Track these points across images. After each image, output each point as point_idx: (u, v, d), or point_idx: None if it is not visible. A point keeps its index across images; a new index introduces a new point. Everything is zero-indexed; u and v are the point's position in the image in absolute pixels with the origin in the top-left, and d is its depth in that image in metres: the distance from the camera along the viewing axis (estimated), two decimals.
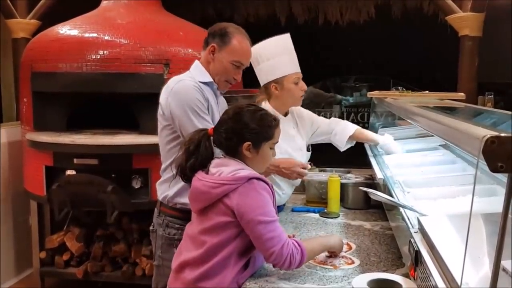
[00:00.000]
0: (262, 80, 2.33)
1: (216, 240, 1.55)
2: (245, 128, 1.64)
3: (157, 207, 2.08)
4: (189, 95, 1.90)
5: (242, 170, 1.59)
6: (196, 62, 2.05)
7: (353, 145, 2.55)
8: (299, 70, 2.32)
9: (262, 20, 5.49)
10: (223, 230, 1.56)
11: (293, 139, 2.39)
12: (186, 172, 1.68)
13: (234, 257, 1.57)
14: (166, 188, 2.02)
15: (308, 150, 2.49)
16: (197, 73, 2.00)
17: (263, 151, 1.68)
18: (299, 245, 1.57)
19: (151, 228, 2.11)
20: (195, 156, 1.67)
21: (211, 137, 1.69)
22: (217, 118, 1.93)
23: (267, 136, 1.68)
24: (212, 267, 1.55)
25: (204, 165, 1.68)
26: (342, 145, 2.50)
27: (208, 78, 1.99)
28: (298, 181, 2.47)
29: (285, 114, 2.40)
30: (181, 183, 1.94)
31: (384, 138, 2.52)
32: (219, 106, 2.06)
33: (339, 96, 6.16)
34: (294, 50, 2.32)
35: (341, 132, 2.49)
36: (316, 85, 6.15)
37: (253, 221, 1.50)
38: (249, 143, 1.64)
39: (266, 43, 2.32)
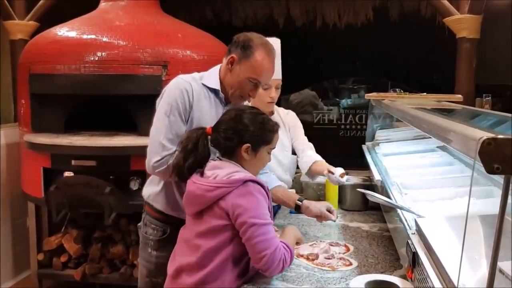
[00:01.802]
0: None
1: (212, 244, 1.55)
2: (246, 130, 1.65)
3: (144, 204, 2.08)
4: (171, 92, 1.85)
5: (238, 172, 1.59)
6: (217, 67, 1.97)
7: (311, 180, 2.55)
8: (273, 77, 2.23)
9: (260, 23, 5.49)
10: (219, 234, 1.55)
11: (279, 140, 2.40)
12: (183, 171, 1.67)
13: (231, 261, 1.56)
14: (149, 186, 2.04)
15: (294, 154, 2.52)
16: (209, 76, 1.93)
17: (261, 154, 1.69)
18: (288, 247, 1.57)
19: (138, 225, 2.11)
20: (193, 155, 1.66)
21: (209, 136, 1.69)
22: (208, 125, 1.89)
23: (267, 140, 1.69)
24: (210, 273, 1.54)
25: (201, 165, 1.67)
26: (305, 168, 2.46)
27: (215, 85, 1.91)
28: (288, 183, 2.49)
29: (270, 114, 2.41)
30: (152, 186, 1.98)
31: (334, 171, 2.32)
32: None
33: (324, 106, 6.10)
34: (276, 55, 2.28)
35: (308, 157, 2.45)
36: (313, 88, 6.16)
37: (246, 224, 1.50)
38: (248, 145, 1.64)
39: None
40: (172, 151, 1.81)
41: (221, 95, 1.92)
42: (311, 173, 2.46)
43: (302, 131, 2.59)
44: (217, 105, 1.93)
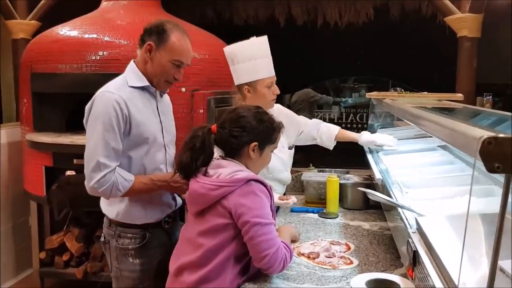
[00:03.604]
0: (236, 81, 2.34)
1: (214, 242, 1.55)
2: (255, 129, 1.66)
3: (106, 217, 2.01)
4: (101, 108, 1.80)
5: (241, 171, 1.59)
6: (131, 63, 1.95)
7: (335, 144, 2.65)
8: (273, 74, 2.32)
9: (261, 22, 5.50)
10: (220, 233, 1.55)
11: None
12: (192, 170, 1.65)
13: (232, 259, 1.57)
14: (106, 204, 1.98)
15: (289, 149, 2.53)
16: (131, 76, 1.91)
17: (266, 153, 1.71)
18: (288, 247, 1.59)
19: (102, 239, 2.03)
20: (202, 154, 1.64)
21: (212, 135, 1.67)
22: (153, 122, 1.91)
23: (273, 139, 1.71)
24: (212, 270, 1.55)
25: (207, 163, 1.67)
26: (331, 145, 2.62)
27: (143, 82, 1.90)
28: (289, 180, 2.50)
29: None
30: (115, 204, 1.92)
31: (363, 137, 2.60)
32: (162, 107, 2.00)
33: (329, 98, 6.15)
34: (269, 53, 2.32)
35: (326, 133, 2.60)
36: (313, 87, 6.17)
37: (249, 223, 1.50)
38: (256, 143, 1.65)
39: (244, 45, 2.32)
40: (112, 167, 1.79)
41: (152, 89, 1.93)
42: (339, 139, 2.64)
43: (293, 114, 2.65)
44: (151, 101, 1.94)
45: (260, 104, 2.30)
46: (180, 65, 1.91)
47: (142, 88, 1.91)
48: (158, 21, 1.91)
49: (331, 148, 2.64)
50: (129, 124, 1.82)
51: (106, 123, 1.78)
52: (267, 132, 1.69)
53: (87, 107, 1.86)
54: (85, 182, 1.83)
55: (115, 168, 1.80)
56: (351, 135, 2.66)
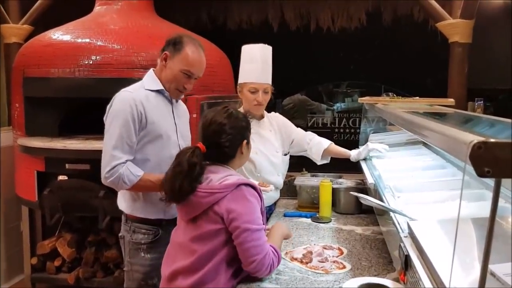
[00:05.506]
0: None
1: (207, 248, 1.56)
2: (242, 127, 1.72)
3: (124, 214, 2.10)
4: (119, 106, 1.94)
5: (230, 176, 1.61)
6: (150, 70, 2.10)
7: (328, 161, 2.63)
8: (260, 81, 2.37)
9: (255, 26, 5.51)
10: (213, 238, 1.57)
11: (269, 141, 2.47)
12: (183, 194, 1.59)
13: (225, 263, 1.58)
14: (122, 201, 2.09)
15: (284, 155, 2.55)
16: (148, 80, 2.05)
17: (249, 147, 1.78)
18: (276, 251, 1.60)
19: (119, 234, 2.13)
20: (189, 177, 1.60)
21: (201, 152, 1.64)
22: (168, 122, 2.03)
23: (250, 128, 1.78)
24: (206, 274, 1.56)
25: (199, 180, 1.62)
26: (318, 158, 2.59)
27: (158, 86, 2.03)
28: (280, 185, 2.51)
29: (260, 118, 2.49)
30: (129, 200, 2.03)
31: (355, 152, 2.61)
32: (177, 112, 2.13)
33: (323, 106, 6.18)
34: (264, 61, 2.38)
35: (317, 145, 2.57)
36: (306, 92, 6.17)
37: (240, 228, 1.52)
38: (245, 140, 1.72)
39: (247, 48, 2.44)
40: (123, 160, 1.90)
41: (166, 93, 2.05)
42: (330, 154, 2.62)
43: (290, 123, 2.65)
44: (166, 104, 2.07)
45: (246, 107, 2.42)
46: (190, 76, 2.02)
47: (157, 92, 2.04)
48: (178, 34, 2.06)
49: (318, 163, 2.61)
50: (145, 120, 1.95)
51: (122, 118, 1.91)
52: (247, 126, 1.75)
53: (108, 106, 2.00)
54: (101, 173, 1.94)
55: (125, 162, 1.91)
56: (342, 151, 2.63)
